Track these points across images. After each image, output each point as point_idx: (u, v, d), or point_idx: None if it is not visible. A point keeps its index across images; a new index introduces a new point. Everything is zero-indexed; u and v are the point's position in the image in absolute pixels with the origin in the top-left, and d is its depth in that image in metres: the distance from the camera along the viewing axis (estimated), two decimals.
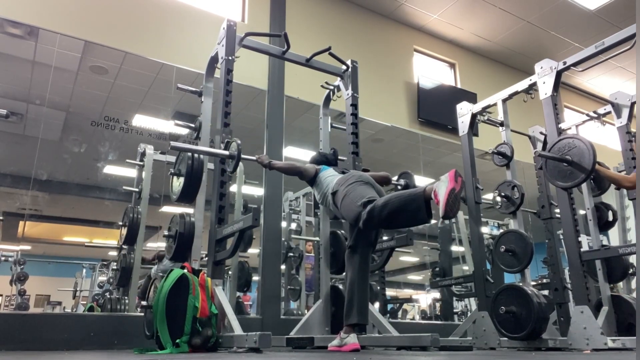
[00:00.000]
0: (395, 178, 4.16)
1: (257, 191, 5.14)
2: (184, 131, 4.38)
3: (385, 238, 3.67)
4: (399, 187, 4.12)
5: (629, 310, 3.71)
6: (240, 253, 4.67)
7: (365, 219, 2.78)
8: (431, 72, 7.25)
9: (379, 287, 5.73)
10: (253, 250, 5.07)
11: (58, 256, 7.33)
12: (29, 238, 5.38)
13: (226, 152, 3.01)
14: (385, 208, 2.72)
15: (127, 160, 4.89)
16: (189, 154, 3.05)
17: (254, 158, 3.25)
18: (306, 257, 5.76)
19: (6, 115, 3.00)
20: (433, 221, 2.74)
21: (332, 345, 2.96)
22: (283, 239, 5.28)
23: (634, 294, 4.31)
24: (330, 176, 3.25)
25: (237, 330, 2.60)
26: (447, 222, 6.83)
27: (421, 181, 6.77)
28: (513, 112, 4.33)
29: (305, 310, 5.40)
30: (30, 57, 4.54)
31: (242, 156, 2.95)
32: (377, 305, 5.51)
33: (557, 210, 3.77)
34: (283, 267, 5.49)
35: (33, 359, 2.25)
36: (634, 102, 4.21)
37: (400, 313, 7.94)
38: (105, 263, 6.33)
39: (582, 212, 4.22)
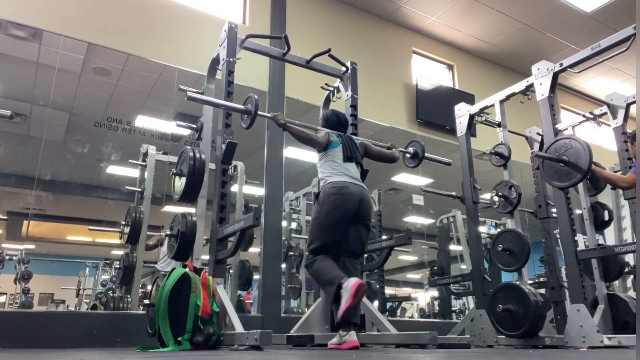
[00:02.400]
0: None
1: (258, 191, 5.17)
2: (186, 132, 4.44)
3: (384, 237, 3.69)
4: (408, 155, 4.14)
5: (625, 309, 3.72)
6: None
7: (305, 264, 3.26)
8: (430, 73, 7.29)
9: (378, 286, 5.77)
10: (254, 249, 5.10)
11: (61, 255, 7.36)
12: (33, 237, 5.41)
13: (242, 107, 3.03)
14: (314, 273, 3.12)
15: (130, 161, 4.92)
16: (191, 154, 3.04)
17: (269, 115, 3.21)
18: (306, 256, 5.77)
19: (10, 116, 2.99)
20: (431, 220, 2.84)
21: (331, 343, 2.98)
22: (283, 238, 5.30)
23: (630, 293, 4.34)
24: (333, 163, 3.28)
25: (238, 328, 2.62)
26: (445, 221, 6.88)
27: (420, 181, 6.82)
28: (510, 113, 4.35)
29: (306, 309, 5.42)
30: (34, 59, 4.56)
31: (259, 112, 2.98)
32: (376, 303, 5.56)
33: (554, 210, 3.78)
34: (283, 265, 5.51)
35: (37, 356, 2.25)
36: (630, 103, 4.23)
37: (399, 311, 7.96)
38: (108, 262, 6.35)
39: (578, 211, 4.23)
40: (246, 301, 6.13)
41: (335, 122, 3.54)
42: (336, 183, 3.19)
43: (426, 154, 4.10)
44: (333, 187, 3.17)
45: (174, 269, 2.80)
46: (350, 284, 2.82)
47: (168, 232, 3.26)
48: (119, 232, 4.70)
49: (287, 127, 3.21)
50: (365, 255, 3.96)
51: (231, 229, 2.90)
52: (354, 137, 3.56)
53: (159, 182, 4.66)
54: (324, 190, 3.20)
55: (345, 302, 2.80)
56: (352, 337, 2.89)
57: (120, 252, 4.87)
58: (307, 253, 3.21)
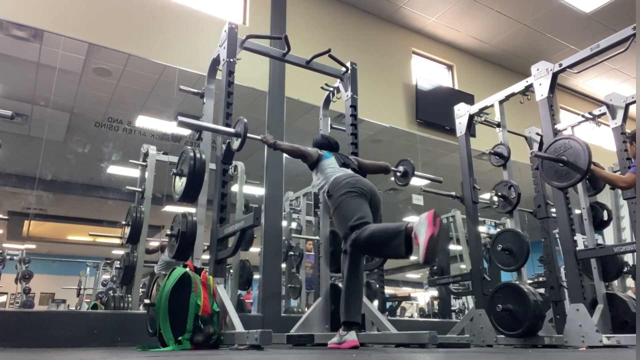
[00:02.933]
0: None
1: (258, 191, 5.17)
2: (186, 132, 4.45)
3: None
4: (398, 174, 4.14)
5: (624, 308, 3.73)
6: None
7: (350, 244, 2.94)
8: (429, 73, 7.30)
9: (377, 285, 5.78)
10: (254, 249, 5.11)
11: (62, 255, 7.37)
12: (34, 237, 5.42)
13: (232, 130, 3.04)
14: (369, 241, 2.85)
15: (130, 161, 4.93)
16: (191, 154, 3.06)
17: (259, 137, 3.23)
18: (306, 256, 5.79)
19: (11, 117, 2.98)
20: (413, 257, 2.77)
21: (331, 342, 2.99)
22: (283, 238, 5.31)
23: (629, 292, 4.35)
24: (330, 167, 3.28)
25: (239, 327, 2.62)
26: (444, 221, 6.89)
27: (419, 181, 6.83)
28: (510, 113, 4.36)
29: (306, 308, 5.43)
30: (35, 59, 4.58)
31: (248, 135, 2.99)
32: (375, 303, 5.57)
33: (553, 210, 3.79)
34: (283, 265, 5.52)
35: (38, 355, 2.25)
36: (629, 104, 4.24)
37: (398, 311, 7.98)
38: (108, 261, 6.36)
39: (577, 211, 4.24)
40: (246, 301, 6.14)
41: (326, 144, 3.55)
42: (340, 176, 3.19)
43: (416, 172, 4.13)
44: (343, 177, 3.17)
45: (174, 268, 2.81)
46: (423, 216, 2.61)
47: (169, 233, 3.27)
48: (119, 237, 4.72)
49: (277, 145, 3.27)
50: (365, 255, 3.96)
51: (231, 229, 2.90)
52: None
53: (160, 182, 4.67)
54: (334, 182, 3.17)
55: (425, 233, 2.56)
56: (352, 336, 2.90)
57: (120, 252, 4.89)
58: (349, 237, 2.94)
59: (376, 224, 2.97)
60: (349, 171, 3.30)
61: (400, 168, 4.18)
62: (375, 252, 2.97)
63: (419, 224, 2.61)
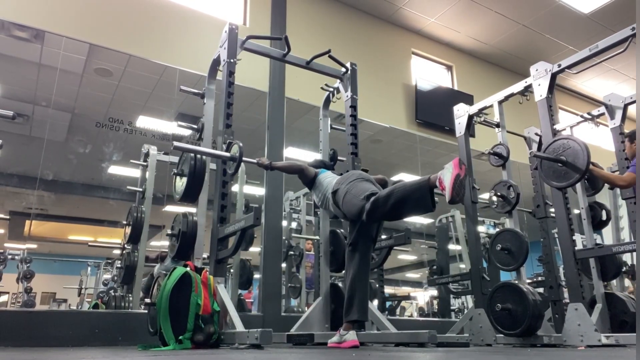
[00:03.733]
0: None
1: (258, 191, 5.19)
2: (187, 132, 4.45)
3: (383, 237, 3.71)
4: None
5: (622, 308, 3.76)
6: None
7: (369, 209, 2.83)
8: (429, 74, 7.32)
9: (377, 285, 5.80)
10: (254, 249, 5.13)
11: (63, 254, 7.38)
12: (35, 237, 5.43)
13: (228, 154, 3.04)
14: (390, 198, 2.76)
15: (131, 161, 4.95)
16: (192, 154, 3.09)
17: (254, 161, 3.26)
18: (306, 256, 5.80)
19: (13, 117, 2.98)
20: (430, 220, 2.79)
21: (331, 341, 3.00)
22: (284, 237, 5.32)
23: (627, 292, 4.37)
24: (329, 178, 3.31)
25: (239, 327, 2.63)
26: (444, 221, 6.91)
27: None
28: (509, 113, 4.37)
29: (306, 308, 5.45)
30: (36, 60, 4.59)
31: (243, 159, 2.97)
32: (375, 302, 5.59)
33: (552, 210, 3.80)
34: (284, 265, 5.53)
35: (39, 355, 2.25)
36: (627, 104, 4.26)
37: (398, 310, 8.00)
38: (109, 261, 6.37)
39: (576, 211, 4.25)
40: (247, 300, 6.15)
41: (321, 165, 3.57)
42: (343, 175, 3.23)
43: None
44: (343, 176, 3.21)
45: (175, 268, 2.82)
46: (449, 163, 2.60)
47: (170, 233, 3.28)
48: (119, 247, 4.74)
49: (274, 165, 3.29)
50: None
51: (232, 229, 2.91)
52: None
53: (160, 182, 4.69)
54: (336, 182, 3.19)
55: (451, 174, 2.55)
56: (352, 336, 2.91)
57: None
58: (366, 204, 2.87)
59: (392, 185, 2.88)
60: None
61: None
62: (396, 209, 2.79)
63: (445, 170, 2.59)
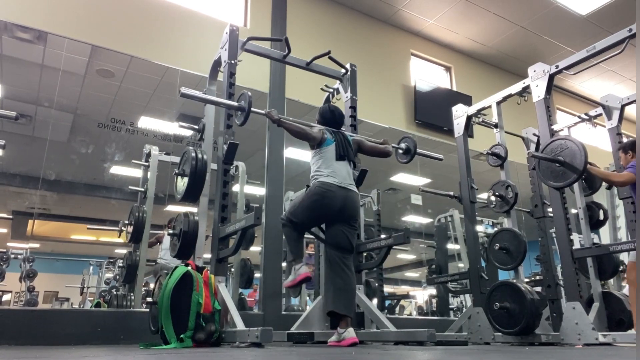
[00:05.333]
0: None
1: (259, 191, 5.22)
2: (188, 132, 4.48)
3: (383, 236, 3.72)
4: (400, 151, 4.10)
5: (620, 307, 3.77)
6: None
7: (282, 222, 3.34)
8: (428, 75, 7.35)
9: (377, 284, 5.82)
10: (255, 248, 5.15)
11: (66, 254, 7.38)
12: (38, 236, 5.45)
13: (236, 104, 3.06)
14: (285, 234, 3.32)
15: (133, 161, 4.95)
16: (193, 154, 3.06)
17: (263, 112, 3.17)
18: (307, 255, 5.82)
19: (16, 117, 2.99)
20: (429, 219, 2.83)
21: (331, 340, 3.01)
22: (284, 237, 5.34)
23: (624, 291, 4.39)
24: (327, 161, 3.27)
25: (240, 325, 2.65)
26: (442, 220, 6.93)
27: (418, 181, 6.89)
28: (507, 114, 4.40)
29: (306, 307, 5.47)
30: (39, 61, 4.61)
31: (252, 109, 3.00)
32: (375, 301, 5.61)
33: (550, 209, 3.83)
34: (284, 264, 5.55)
35: (42, 353, 2.25)
36: (624, 105, 4.29)
37: (397, 309, 8.02)
38: (111, 260, 6.39)
39: (574, 211, 4.27)
40: (251, 299, 6.17)
41: (330, 118, 3.51)
42: (323, 184, 3.18)
43: (418, 150, 4.05)
44: (318, 188, 3.18)
45: (176, 267, 2.84)
46: (301, 270, 3.12)
47: (169, 231, 3.29)
48: (117, 230, 4.77)
49: (282, 122, 3.21)
50: (365, 254, 3.99)
51: (233, 228, 2.93)
52: (347, 134, 3.57)
53: (162, 182, 4.71)
54: (312, 186, 3.24)
55: (289, 280, 3.15)
56: (350, 333, 2.92)
57: (123, 251, 4.92)
58: (284, 213, 3.39)
59: (295, 233, 3.26)
60: (338, 177, 3.25)
61: (402, 145, 4.13)
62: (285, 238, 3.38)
63: (295, 270, 3.15)
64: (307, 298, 6.04)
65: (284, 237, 3.44)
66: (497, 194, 4.15)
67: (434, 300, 7.66)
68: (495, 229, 5.98)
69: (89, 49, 4.65)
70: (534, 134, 4.56)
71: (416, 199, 6.77)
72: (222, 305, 2.79)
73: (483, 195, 4.40)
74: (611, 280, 4.50)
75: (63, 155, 4.84)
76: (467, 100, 6.34)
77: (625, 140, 4.12)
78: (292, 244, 3.25)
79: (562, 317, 3.33)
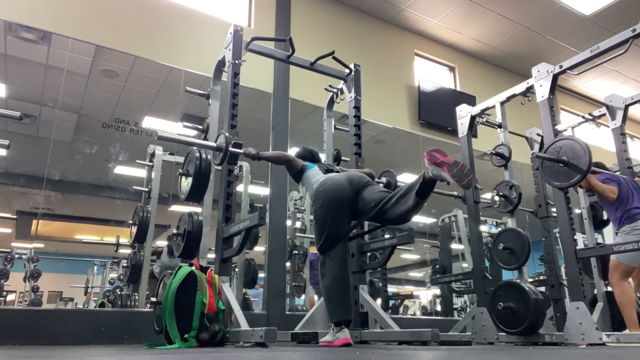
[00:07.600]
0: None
1: (263, 191, 5.22)
2: (192, 132, 4.49)
3: (387, 236, 3.73)
4: (381, 185, 4.03)
5: None
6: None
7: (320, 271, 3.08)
8: (431, 75, 7.34)
9: (381, 284, 5.82)
10: (259, 248, 5.15)
11: (70, 254, 7.40)
12: (42, 236, 5.44)
13: (214, 144, 3.05)
14: (324, 288, 3.01)
15: (137, 161, 4.99)
16: (197, 154, 3.11)
17: (241, 151, 3.14)
18: (310, 255, 5.82)
19: (20, 118, 2.98)
20: (433, 219, 2.80)
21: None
22: (288, 237, 5.34)
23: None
24: (314, 176, 3.25)
25: (244, 325, 2.65)
26: (446, 220, 6.93)
27: None
28: (511, 114, 4.40)
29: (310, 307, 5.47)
30: (43, 61, 4.62)
31: (230, 149, 2.98)
32: (379, 301, 5.61)
33: (554, 209, 3.81)
34: (288, 264, 5.56)
35: (46, 353, 2.24)
36: (628, 105, 4.28)
37: (401, 309, 8.02)
38: (116, 260, 6.40)
39: (577, 211, 4.27)
40: (254, 293, 6.17)
41: (309, 157, 3.50)
42: (318, 185, 3.15)
43: (398, 183, 4.05)
44: (318, 190, 3.13)
45: (180, 267, 2.84)
46: (340, 334, 2.84)
47: (175, 232, 3.30)
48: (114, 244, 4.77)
49: (261, 155, 3.22)
50: (369, 254, 4.00)
51: (237, 228, 2.94)
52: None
53: (166, 182, 4.72)
54: (315, 193, 3.16)
55: (326, 340, 2.89)
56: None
57: (127, 251, 4.93)
58: (317, 254, 3.14)
59: (336, 281, 2.97)
60: (330, 174, 3.22)
61: (383, 179, 4.18)
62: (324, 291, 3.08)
63: (335, 333, 2.86)
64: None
65: (323, 294, 3.05)
66: (501, 194, 4.14)
67: (437, 300, 7.65)
68: (499, 229, 5.99)
69: (93, 49, 4.66)
70: (538, 134, 4.55)
71: None
72: (226, 305, 2.79)
73: (487, 195, 4.41)
74: None
75: (67, 156, 4.85)
76: (471, 101, 6.34)
77: (629, 140, 4.13)
78: (333, 297, 2.94)
79: (566, 317, 3.30)
